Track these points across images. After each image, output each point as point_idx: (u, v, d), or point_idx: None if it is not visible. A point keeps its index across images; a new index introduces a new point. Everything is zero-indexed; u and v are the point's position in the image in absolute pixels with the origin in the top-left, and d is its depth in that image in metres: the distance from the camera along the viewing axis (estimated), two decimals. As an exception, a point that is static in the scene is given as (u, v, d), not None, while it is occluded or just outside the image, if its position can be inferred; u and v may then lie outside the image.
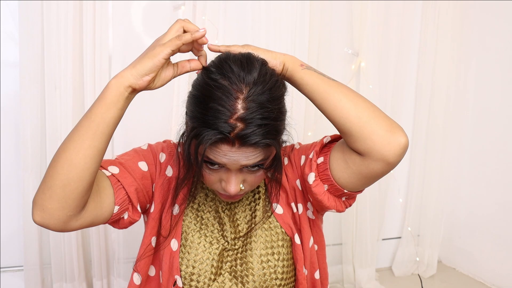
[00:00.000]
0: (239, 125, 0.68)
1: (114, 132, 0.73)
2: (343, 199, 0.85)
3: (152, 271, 0.90)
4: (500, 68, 1.94)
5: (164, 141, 0.94)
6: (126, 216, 0.83)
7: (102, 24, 1.52)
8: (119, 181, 0.81)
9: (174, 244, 0.86)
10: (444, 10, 1.98)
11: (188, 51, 0.76)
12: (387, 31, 1.91)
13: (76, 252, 1.61)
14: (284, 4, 1.70)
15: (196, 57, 0.78)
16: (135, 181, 0.83)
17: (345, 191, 0.82)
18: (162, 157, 0.89)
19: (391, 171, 2.06)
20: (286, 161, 0.91)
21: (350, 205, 0.87)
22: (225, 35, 1.66)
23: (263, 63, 0.76)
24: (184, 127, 0.82)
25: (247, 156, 0.71)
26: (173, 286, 0.84)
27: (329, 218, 1.91)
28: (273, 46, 1.71)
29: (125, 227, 0.85)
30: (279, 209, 0.89)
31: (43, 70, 1.51)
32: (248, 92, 0.70)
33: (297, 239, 0.88)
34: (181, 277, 0.85)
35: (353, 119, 0.74)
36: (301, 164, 0.88)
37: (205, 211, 0.89)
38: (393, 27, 1.93)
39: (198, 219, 0.88)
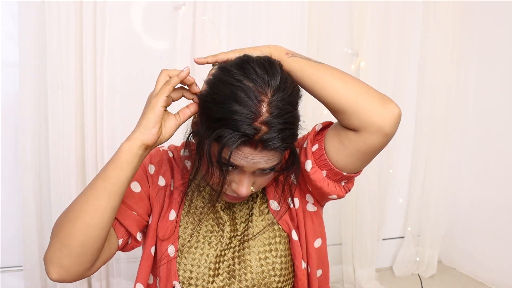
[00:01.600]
0: (264, 128, 0.68)
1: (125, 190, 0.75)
2: (343, 183, 0.86)
3: (150, 279, 0.90)
4: (500, 68, 1.94)
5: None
6: (129, 241, 0.85)
7: (102, 24, 1.52)
8: (115, 218, 0.81)
9: (171, 249, 0.85)
10: (444, 10, 1.98)
11: (180, 98, 0.77)
12: (387, 31, 1.91)
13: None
14: (284, 4, 1.70)
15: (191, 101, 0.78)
16: (131, 211, 0.83)
17: (344, 173, 0.82)
18: (151, 169, 0.88)
19: (391, 171, 2.05)
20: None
21: (349, 190, 0.88)
22: (225, 35, 1.66)
23: (282, 67, 0.77)
24: (191, 128, 0.82)
25: (266, 159, 0.72)
26: None
27: (329, 218, 1.91)
28: (273, 46, 1.71)
29: (128, 251, 0.87)
30: (275, 206, 0.89)
31: (44, 70, 1.51)
32: (272, 96, 0.70)
33: (294, 235, 0.88)
34: (179, 282, 0.85)
35: (345, 96, 0.75)
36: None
37: (202, 214, 0.89)
38: (393, 27, 1.93)
39: (195, 223, 0.88)
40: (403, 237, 2.15)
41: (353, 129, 0.77)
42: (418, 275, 1.97)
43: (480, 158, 2.03)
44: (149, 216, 0.87)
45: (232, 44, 1.67)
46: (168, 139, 0.75)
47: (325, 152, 0.81)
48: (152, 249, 0.87)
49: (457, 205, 2.15)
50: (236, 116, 0.68)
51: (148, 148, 0.73)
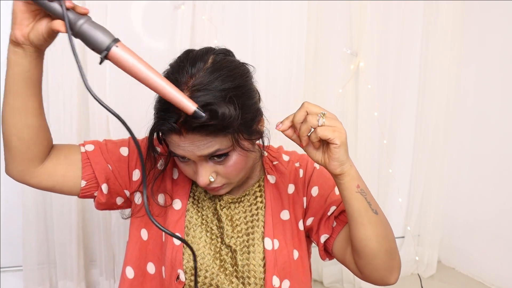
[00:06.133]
0: (183, 113, 0.70)
1: (28, 91, 0.73)
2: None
3: (151, 269, 0.90)
4: (500, 68, 1.94)
5: None
6: (96, 194, 0.88)
7: (103, 24, 1.52)
8: (88, 158, 0.85)
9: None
10: (444, 10, 1.98)
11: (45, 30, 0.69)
12: (387, 31, 1.91)
13: (77, 251, 1.61)
14: (283, 4, 1.70)
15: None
16: (105, 161, 0.87)
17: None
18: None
19: (391, 170, 2.05)
20: (301, 173, 0.92)
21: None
22: (225, 35, 1.67)
23: (226, 53, 0.79)
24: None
25: (198, 145, 0.73)
26: (176, 280, 0.84)
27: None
28: (273, 46, 1.71)
29: (97, 208, 0.90)
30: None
31: (45, 70, 1.51)
32: (193, 81, 0.71)
33: (268, 243, 0.87)
34: (183, 271, 0.85)
35: (368, 254, 0.79)
36: (314, 195, 0.90)
37: (204, 208, 0.90)
38: (393, 27, 1.93)
39: (199, 214, 0.89)
40: (403, 237, 2.16)
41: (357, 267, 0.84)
42: (418, 274, 1.97)
43: (480, 158, 2.04)
44: (128, 187, 0.89)
45: (231, 44, 1.66)
46: (37, 43, 0.69)
47: (333, 243, 0.88)
48: (144, 233, 0.89)
49: (457, 205, 2.16)
50: (162, 107, 0.72)
51: (16, 44, 0.69)
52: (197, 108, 0.65)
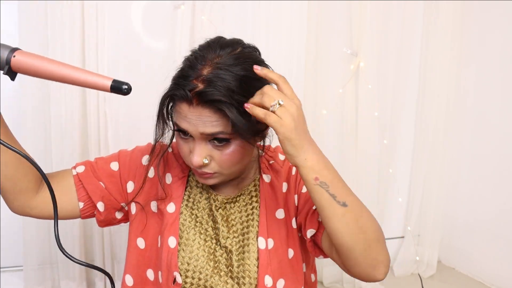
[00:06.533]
0: (200, 85, 0.72)
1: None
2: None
3: (151, 275, 0.90)
4: (500, 68, 1.94)
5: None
6: (95, 213, 0.90)
7: (102, 24, 1.53)
8: (80, 180, 0.87)
9: (172, 241, 0.86)
10: (444, 10, 1.98)
11: None
12: (387, 31, 1.92)
13: (78, 251, 1.61)
14: (283, 4, 1.70)
15: None
16: (98, 181, 0.88)
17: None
18: (145, 159, 0.91)
19: (391, 170, 2.05)
20: (294, 170, 0.91)
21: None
22: (225, 35, 1.67)
23: (254, 48, 0.83)
24: None
25: (204, 121, 0.73)
26: (173, 283, 0.84)
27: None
28: (273, 46, 1.72)
29: (99, 225, 0.93)
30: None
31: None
32: (219, 60, 0.74)
33: (262, 243, 0.87)
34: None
35: (342, 248, 0.74)
36: (303, 191, 0.89)
37: (199, 209, 0.89)
38: (393, 27, 1.93)
39: (192, 216, 0.89)
40: (403, 237, 2.16)
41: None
42: (419, 274, 1.97)
43: (480, 158, 2.04)
44: (121, 198, 0.90)
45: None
46: None
47: (321, 239, 0.83)
48: (140, 242, 0.89)
49: (457, 205, 2.16)
50: (181, 75, 0.74)
51: None
52: (114, 80, 0.62)
